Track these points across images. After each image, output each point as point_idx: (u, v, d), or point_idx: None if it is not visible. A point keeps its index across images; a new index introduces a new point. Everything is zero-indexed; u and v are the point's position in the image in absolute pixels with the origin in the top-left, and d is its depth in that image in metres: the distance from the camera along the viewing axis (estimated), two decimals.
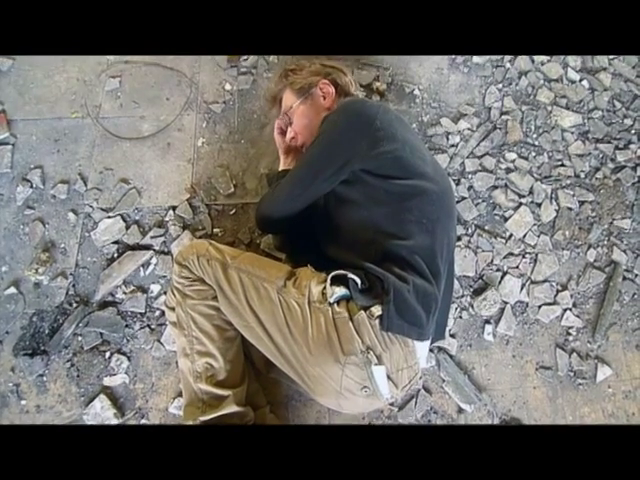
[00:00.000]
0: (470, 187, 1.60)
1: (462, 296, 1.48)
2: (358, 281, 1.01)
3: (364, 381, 0.99)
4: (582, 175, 1.64)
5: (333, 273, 1.02)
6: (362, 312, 0.98)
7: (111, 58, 1.76)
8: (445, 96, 1.74)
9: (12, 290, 1.45)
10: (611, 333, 1.47)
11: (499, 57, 1.79)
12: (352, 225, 1.12)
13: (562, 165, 1.65)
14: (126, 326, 1.42)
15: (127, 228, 1.53)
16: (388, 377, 1.01)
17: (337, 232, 1.16)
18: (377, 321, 0.98)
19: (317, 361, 1.01)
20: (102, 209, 1.55)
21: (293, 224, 1.24)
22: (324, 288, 1.02)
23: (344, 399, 1.04)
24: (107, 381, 1.37)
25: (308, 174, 1.15)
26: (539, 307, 1.48)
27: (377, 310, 0.98)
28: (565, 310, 1.48)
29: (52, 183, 1.58)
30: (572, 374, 1.42)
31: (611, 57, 1.81)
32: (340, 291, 1.01)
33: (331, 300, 1.00)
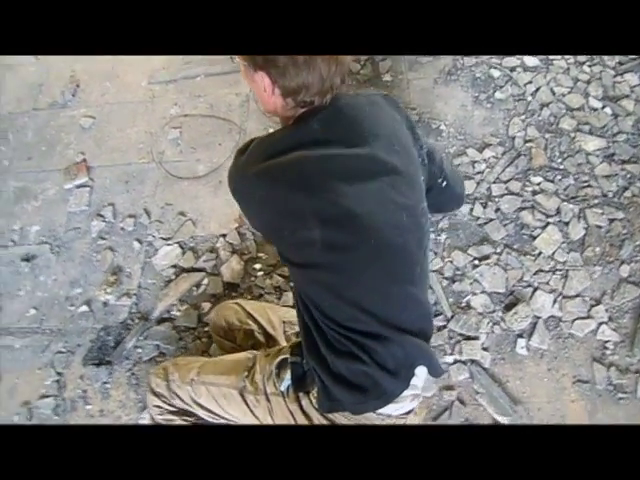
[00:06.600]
0: (497, 209, 1.69)
1: (493, 311, 1.53)
2: (302, 364, 0.99)
3: None
4: (610, 194, 1.68)
5: (278, 359, 1.03)
6: (306, 397, 0.98)
7: (173, 112, 2.06)
8: (470, 129, 1.87)
9: (84, 308, 1.66)
10: None
11: (520, 92, 1.92)
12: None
13: (589, 186, 1.70)
14: (180, 339, 1.57)
15: (183, 254, 1.72)
16: None
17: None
18: None
19: None
20: (162, 238, 1.77)
21: None
22: (275, 376, 1.03)
23: None
24: None
25: None
26: (573, 321, 1.49)
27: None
28: (600, 324, 1.48)
29: (121, 217, 1.83)
30: (611, 388, 1.41)
31: (633, 85, 1.90)
32: (288, 377, 1.01)
33: (282, 389, 1.01)
